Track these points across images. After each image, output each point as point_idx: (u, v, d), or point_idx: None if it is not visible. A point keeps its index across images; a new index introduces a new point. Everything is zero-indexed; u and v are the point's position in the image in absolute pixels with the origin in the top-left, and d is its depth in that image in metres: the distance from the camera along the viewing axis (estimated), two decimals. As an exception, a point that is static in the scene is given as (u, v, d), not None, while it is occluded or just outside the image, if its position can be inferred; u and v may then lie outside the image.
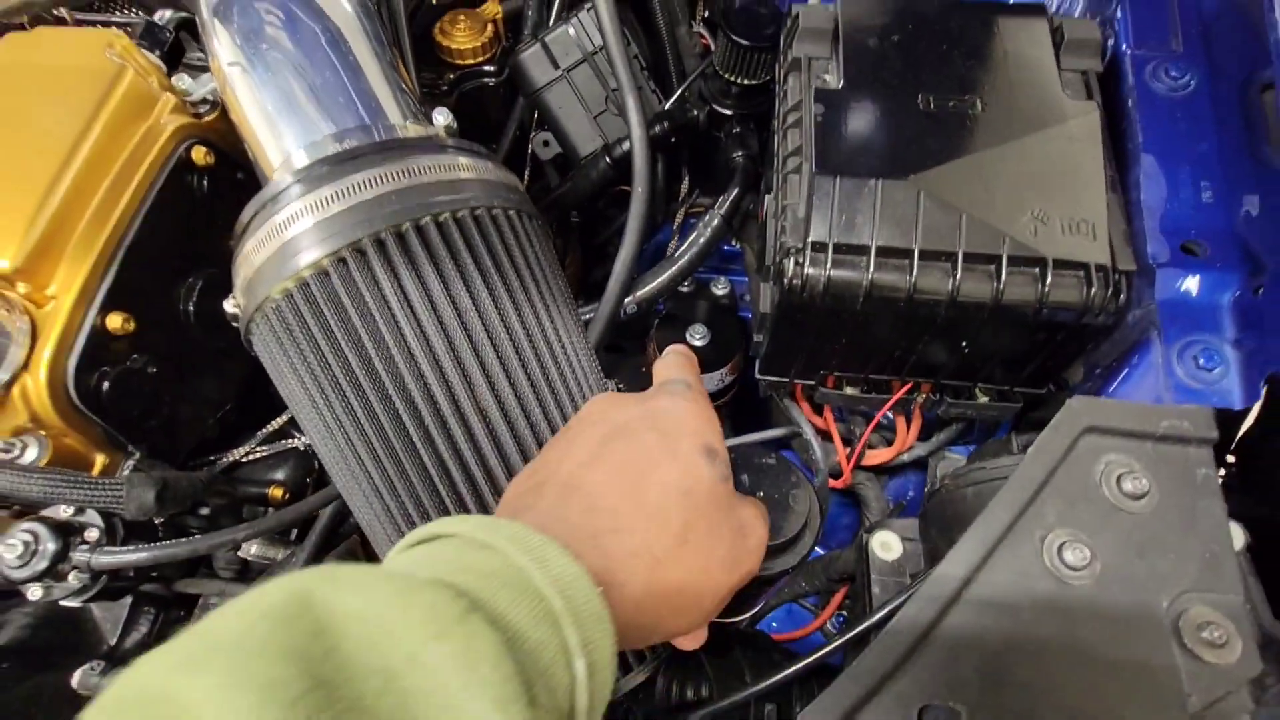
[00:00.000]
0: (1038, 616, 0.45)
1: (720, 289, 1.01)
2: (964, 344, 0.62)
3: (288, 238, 0.54)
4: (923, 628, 0.45)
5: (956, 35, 0.64)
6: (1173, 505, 0.47)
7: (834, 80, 0.64)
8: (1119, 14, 0.65)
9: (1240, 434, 0.61)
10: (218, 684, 0.25)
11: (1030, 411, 0.72)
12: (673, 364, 0.55)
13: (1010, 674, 0.44)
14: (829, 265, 0.58)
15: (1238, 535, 0.50)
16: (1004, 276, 0.56)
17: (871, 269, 0.57)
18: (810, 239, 0.58)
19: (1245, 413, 0.56)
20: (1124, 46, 0.64)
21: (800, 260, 0.58)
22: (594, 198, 0.97)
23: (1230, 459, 0.64)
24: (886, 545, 0.63)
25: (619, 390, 0.97)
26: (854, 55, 0.64)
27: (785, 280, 0.59)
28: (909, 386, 0.70)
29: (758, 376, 0.75)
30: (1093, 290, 0.56)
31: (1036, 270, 0.56)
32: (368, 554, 0.89)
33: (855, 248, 0.58)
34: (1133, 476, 0.47)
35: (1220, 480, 0.48)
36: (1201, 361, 0.54)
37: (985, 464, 0.59)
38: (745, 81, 0.87)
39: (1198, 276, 0.56)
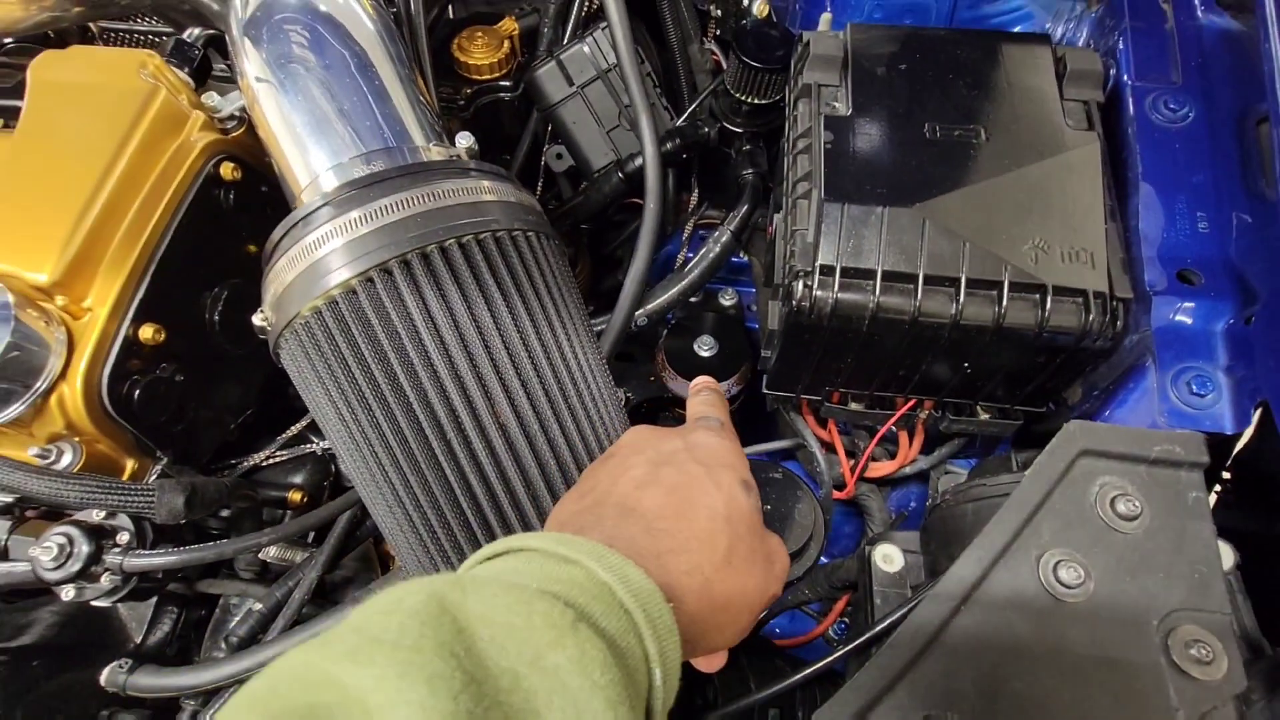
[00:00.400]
0: (1033, 631, 0.47)
1: (728, 300, 1.03)
2: (966, 364, 0.64)
3: (317, 257, 0.56)
4: (923, 641, 0.47)
5: (962, 64, 0.66)
6: (1164, 527, 0.49)
7: (843, 107, 0.66)
8: (1121, 45, 0.67)
9: (1236, 451, 0.63)
10: (383, 674, 0.27)
11: (1030, 428, 0.74)
12: (706, 401, 0.59)
13: (1006, 686, 0.46)
14: (836, 288, 0.60)
15: (1227, 555, 0.52)
16: (1005, 302, 0.58)
17: (877, 293, 0.59)
18: (818, 263, 0.60)
19: (1237, 436, 0.58)
20: (1125, 77, 0.66)
21: (809, 283, 0.61)
22: (605, 209, 1.00)
23: (1226, 475, 0.66)
24: (888, 558, 0.65)
25: (628, 399, 1.00)
26: (862, 83, 0.66)
27: (794, 301, 0.61)
28: (912, 403, 0.73)
29: (765, 392, 0.77)
30: (1091, 316, 0.58)
31: (1037, 296, 0.58)
32: (382, 557, 0.91)
33: (862, 272, 0.60)
34: (1126, 499, 0.49)
35: (1215, 496, 0.50)
36: (1194, 387, 0.56)
37: (985, 481, 0.61)
38: (756, 100, 0.89)
39: (1193, 305, 0.58)
